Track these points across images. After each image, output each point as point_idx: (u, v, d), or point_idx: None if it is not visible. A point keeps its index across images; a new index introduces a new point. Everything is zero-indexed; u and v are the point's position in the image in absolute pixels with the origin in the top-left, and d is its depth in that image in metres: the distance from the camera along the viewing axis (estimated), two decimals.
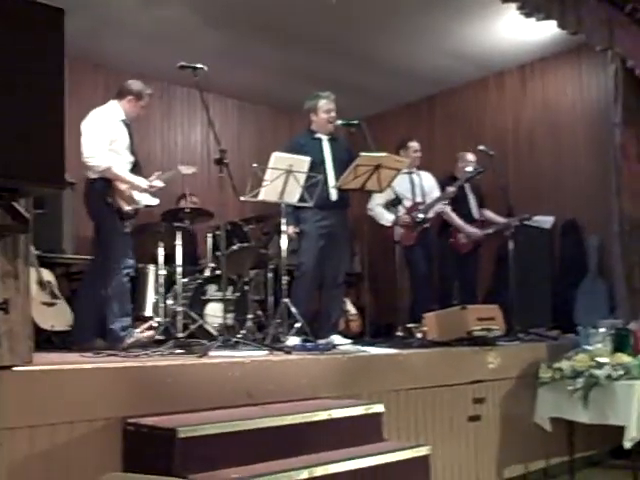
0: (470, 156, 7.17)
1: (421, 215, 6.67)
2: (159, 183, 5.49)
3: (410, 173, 6.91)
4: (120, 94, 5.32)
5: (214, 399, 3.50)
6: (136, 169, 5.31)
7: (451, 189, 6.80)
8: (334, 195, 5.66)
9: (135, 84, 5.35)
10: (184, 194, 7.09)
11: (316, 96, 5.90)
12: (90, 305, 5.12)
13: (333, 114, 5.87)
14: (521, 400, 5.24)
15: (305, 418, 3.45)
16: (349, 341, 5.47)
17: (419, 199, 6.84)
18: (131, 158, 5.28)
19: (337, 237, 5.73)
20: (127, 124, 5.28)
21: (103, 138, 5.03)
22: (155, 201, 5.40)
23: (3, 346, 2.92)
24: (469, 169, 6.84)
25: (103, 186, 5.02)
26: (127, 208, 5.09)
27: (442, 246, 7.12)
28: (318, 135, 5.88)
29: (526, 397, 5.25)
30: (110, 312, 4.96)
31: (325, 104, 5.86)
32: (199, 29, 6.92)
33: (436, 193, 6.95)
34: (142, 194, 5.23)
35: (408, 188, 6.83)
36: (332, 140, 5.91)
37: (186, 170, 5.81)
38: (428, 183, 7.02)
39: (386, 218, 6.51)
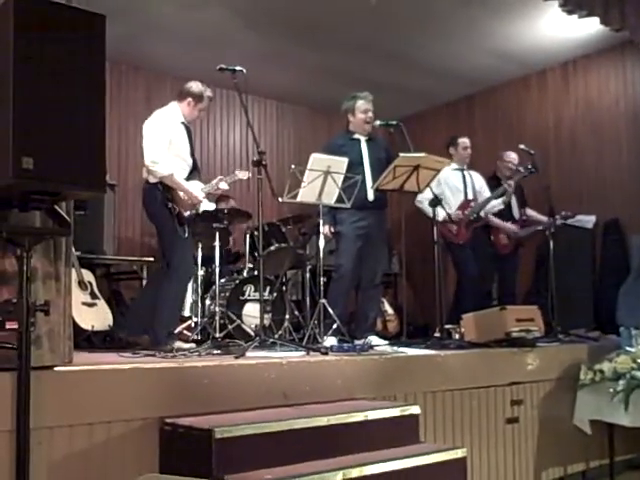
0: (513, 155, 7.10)
1: (474, 214, 6.63)
2: (225, 185, 5.50)
3: (462, 170, 6.91)
4: (180, 96, 5.24)
5: (250, 400, 3.54)
6: (194, 172, 5.25)
7: (509, 183, 6.73)
8: (371, 195, 5.66)
9: (195, 86, 5.24)
10: (224, 196, 7.17)
11: (353, 97, 5.90)
12: (147, 303, 5.13)
13: (370, 114, 5.85)
14: (560, 402, 5.18)
15: (340, 419, 3.46)
16: (386, 342, 5.47)
17: (470, 196, 6.81)
18: (190, 161, 5.23)
19: (374, 238, 5.72)
20: (187, 127, 5.23)
21: (165, 143, 4.97)
22: (212, 206, 5.40)
23: (44, 346, 2.99)
24: (521, 168, 6.76)
25: (163, 190, 4.97)
26: (186, 213, 5.07)
27: (483, 245, 7.06)
28: (356, 136, 5.88)
29: (565, 399, 5.18)
30: (159, 314, 4.92)
31: (362, 104, 5.85)
32: (238, 31, 6.96)
33: (486, 193, 6.90)
34: (199, 205, 5.21)
35: (460, 184, 6.81)
36: (370, 140, 5.90)
37: (242, 175, 5.83)
38: (479, 182, 6.98)
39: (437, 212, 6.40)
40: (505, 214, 7.06)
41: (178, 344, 4.91)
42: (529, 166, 6.64)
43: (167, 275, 4.99)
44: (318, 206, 5.30)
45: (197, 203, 5.13)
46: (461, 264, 6.68)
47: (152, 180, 5.00)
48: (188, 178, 5.17)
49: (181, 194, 5.03)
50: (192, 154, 5.27)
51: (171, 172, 4.93)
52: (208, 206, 5.34)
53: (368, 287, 5.79)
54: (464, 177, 6.90)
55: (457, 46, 7.51)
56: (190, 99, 5.21)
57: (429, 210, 6.35)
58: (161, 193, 4.96)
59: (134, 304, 5.57)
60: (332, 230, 5.65)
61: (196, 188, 5.17)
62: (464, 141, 6.98)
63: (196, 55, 7.35)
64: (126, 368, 3.29)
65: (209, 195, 5.40)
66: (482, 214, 6.80)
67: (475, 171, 7.09)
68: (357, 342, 5.18)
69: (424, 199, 6.51)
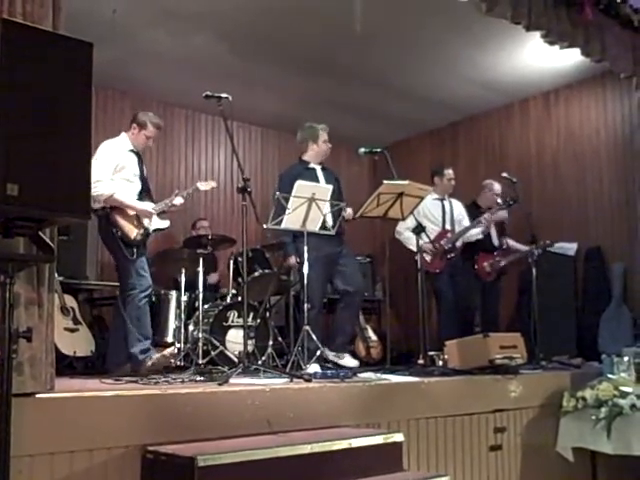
0: (497, 186, 7.16)
1: (449, 244, 6.70)
2: (180, 200, 5.57)
3: (442, 200, 6.98)
4: (129, 125, 5.48)
5: (234, 427, 3.51)
6: (144, 194, 5.40)
7: (487, 214, 6.81)
8: (331, 222, 5.61)
9: (141, 114, 5.49)
10: (194, 222, 7.26)
11: (313, 127, 6.01)
12: (119, 331, 5.23)
13: (329, 144, 6.02)
14: (543, 429, 5.18)
15: (324, 447, 3.44)
16: (357, 362, 5.46)
17: (448, 226, 6.87)
18: (139, 184, 5.39)
19: (338, 256, 5.83)
20: (136, 153, 5.42)
21: (107, 167, 5.16)
22: (165, 223, 5.45)
23: (25, 373, 2.96)
24: (499, 201, 6.84)
25: (107, 216, 5.15)
26: (132, 236, 5.14)
27: (465, 273, 7.10)
28: (312, 165, 5.95)
29: (548, 426, 5.19)
30: (129, 336, 5.06)
31: (324, 134, 6.02)
32: (224, 58, 7.01)
33: (465, 222, 6.98)
34: (151, 219, 5.29)
35: (439, 215, 6.89)
36: (324, 169, 6.00)
37: (204, 186, 5.85)
38: (458, 211, 7.05)
39: (414, 243, 6.38)
40: (487, 243, 7.11)
41: (155, 357, 5.04)
42: (508, 199, 6.77)
43: (124, 297, 5.16)
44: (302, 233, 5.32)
45: (148, 216, 5.20)
46: (437, 292, 6.72)
47: (96, 206, 5.12)
48: (139, 199, 5.33)
49: (128, 215, 5.17)
50: (142, 178, 5.42)
51: (111, 192, 5.10)
52: (161, 224, 5.38)
53: (349, 302, 5.87)
54: (443, 207, 6.99)
55: (441, 75, 7.59)
56: (134, 125, 5.44)
57: (408, 241, 6.50)
58: (104, 219, 5.15)
59: (109, 338, 5.63)
60: (298, 260, 5.66)
61: (146, 206, 5.31)
62: (450, 173, 7.07)
63: (182, 80, 7.40)
64: (108, 395, 3.25)
65: (163, 212, 5.49)
66: (458, 244, 6.88)
67: (455, 199, 7.15)
68: (330, 353, 5.19)
69: (403, 230, 6.60)
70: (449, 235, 6.81)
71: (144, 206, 5.24)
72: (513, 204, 6.70)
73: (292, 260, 5.66)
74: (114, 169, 5.19)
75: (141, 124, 5.41)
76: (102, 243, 5.38)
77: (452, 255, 6.80)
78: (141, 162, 5.45)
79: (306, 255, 5.28)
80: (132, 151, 5.39)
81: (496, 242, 7.22)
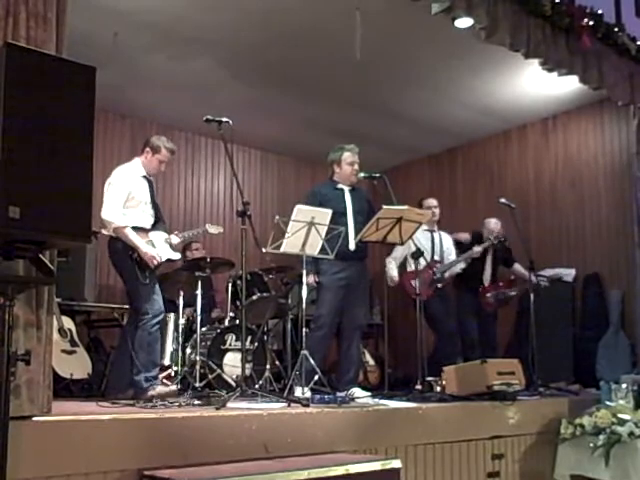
0: (493, 223, 7.16)
1: (438, 275, 6.72)
2: (176, 239, 5.56)
3: (432, 231, 7.01)
4: (141, 150, 5.43)
5: (231, 452, 3.50)
6: (159, 223, 5.37)
7: (477, 250, 6.88)
8: (353, 246, 5.67)
9: (154, 138, 5.44)
10: (188, 244, 7.22)
11: (340, 148, 5.98)
12: (124, 356, 5.17)
13: (356, 166, 5.93)
14: (541, 456, 5.16)
15: (321, 473, 3.42)
16: (368, 394, 5.44)
17: (437, 257, 6.92)
18: (152, 212, 5.34)
19: (355, 288, 5.74)
20: (148, 180, 5.37)
21: (122, 194, 5.11)
22: (177, 255, 5.44)
23: (23, 396, 2.95)
24: (491, 237, 6.87)
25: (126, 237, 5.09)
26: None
27: (462, 301, 7.13)
28: (340, 186, 5.94)
29: (546, 453, 5.17)
30: (136, 362, 4.96)
31: (349, 156, 5.93)
32: (224, 82, 7.04)
33: (453, 255, 7.01)
34: (163, 248, 5.27)
35: (429, 245, 6.90)
36: (353, 191, 5.97)
37: (213, 230, 5.92)
38: (447, 244, 7.10)
39: (390, 275, 6.69)
40: (474, 274, 7.14)
41: (160, 388, 4.95)
42: (501, 237, 6.90)
43: (137, 322, 5.06)
44: (301, 256, 5.31)
45: (149, 260, 5.09)
46: (429, 317, 6.65)
47: (107, 233, 5.12)
48: (153, 228, 5.29)
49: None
50: (153, 205, 5.38)
51: (125, 225, 5.05)
52: (172, 255, 5.38)
53: (351, 338, 5.78)
54: (433, 238, 7.01)
55: (440, 100, 7.63)
56: (147, 149, 5.37)
57: (389, 271, 6.54)
58: (121, 242, 5.08)
59: (112, 361, 5.59)
60: (316, 279, 5.65)
61: (159, 239, 5.29)
62: (429, 202, 7.06)
63: (182, 104, 7.44)
64: (104, 419, 3.24)
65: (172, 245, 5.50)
66: (447, 275, 6.92)
67: (448, 228, 7.19)
68: (339, 394, 5.15)
69: (391, 259, 6.65)
70: (437, 266, 6.85)
71: (149, 250, 5.10)
72: (502, 242, 6.87)
73: (310, 279, 5.61)
74: (127, 196, 5.15)
75: (155, 148, 5.35)
76: (113, 266, 5.27)
77: (440, 285, 6.82)
78: (152, 189, 5.40)
79: (304, 278, 5.27)
80: (144, 177, 5.33)
81: (487, 281, 7.18)
